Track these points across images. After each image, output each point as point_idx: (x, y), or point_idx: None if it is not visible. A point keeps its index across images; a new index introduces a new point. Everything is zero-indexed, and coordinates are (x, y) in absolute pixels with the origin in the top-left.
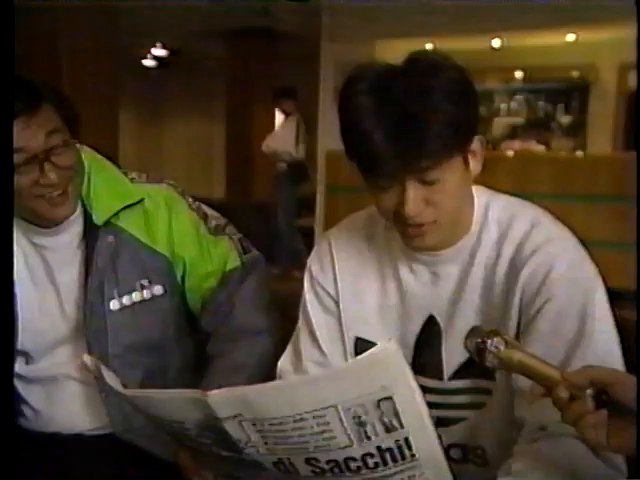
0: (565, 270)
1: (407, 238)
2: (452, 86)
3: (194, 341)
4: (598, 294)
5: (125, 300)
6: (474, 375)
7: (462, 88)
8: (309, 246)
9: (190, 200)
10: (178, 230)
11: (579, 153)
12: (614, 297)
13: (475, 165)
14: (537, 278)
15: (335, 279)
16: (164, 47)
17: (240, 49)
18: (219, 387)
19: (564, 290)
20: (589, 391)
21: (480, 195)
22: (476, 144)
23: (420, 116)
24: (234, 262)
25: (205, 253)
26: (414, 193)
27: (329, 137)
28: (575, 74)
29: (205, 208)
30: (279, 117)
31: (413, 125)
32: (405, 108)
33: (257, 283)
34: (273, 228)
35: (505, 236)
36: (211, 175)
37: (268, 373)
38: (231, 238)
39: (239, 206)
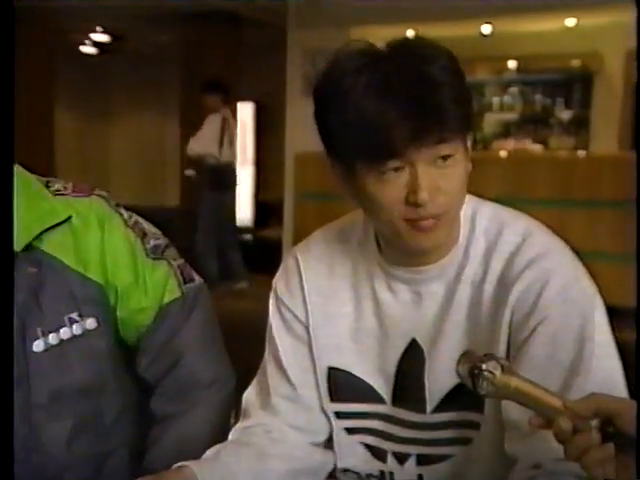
0: (560, 288)
1: (412, 237)
2: (451, 64)
3: (136, 373)
4: (597, 314)
5: (52, 339)
6: (460, 407)
7: (459, 71)
8: (277, 261)
9: (126, 215)
10: (111, 252)
11: (581, 153)
12: (617, 315)
13: (469, 163)
14: (529, 297)
15: (304, 301)
16: (105, 32)
17: (196, 35)
18: (167, 465)
19: (559, 310)
20: (595, 422)
21: (466, 203)
22: (469, 142)
23: (425, 87)
24: (173, 293)
25: (140, 281)
26: (426, 176)
27: (298, 137)
28: (576, 63)
29: (143, 224)
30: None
31: (426, 87)
32: (414, 72)
33: (203, 320)
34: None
35: (493, 249)
36: (164, 179)
37: (225, 428)
38: (170, 264)
39: (196, 215)
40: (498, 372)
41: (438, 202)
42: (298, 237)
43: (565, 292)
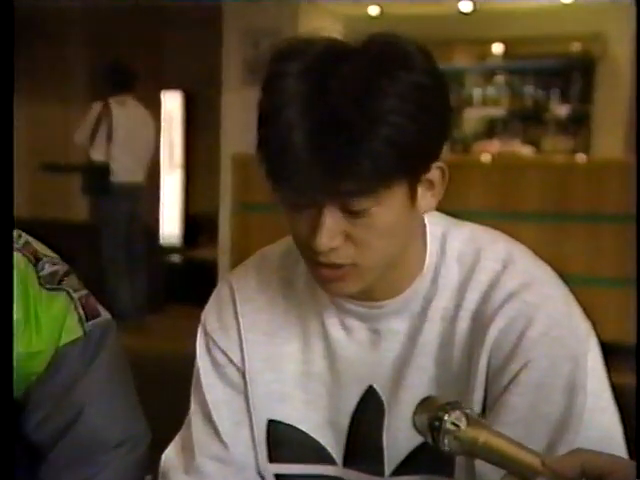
0: (547, 325)
1: (320, 280)
2: (415, 93)
3: (23, 435)
4: (591, 358)
5: None
6: (426, 469)
7: (430, 97)
8: (210, 288)
9: (14, 234)
10: None
11: (580, 157)
12: (616, 354)
13: (428, 201)
14: (510, 337)
15: (240, 340)
16: None
17: (108, 12)
18: None
19: (545, 353)
20: None
21: (434, 224)
22: (435, 173)
23: (357, 123)
24: (73, 332)
25: (31, 318)
26: (332, 222)
27: (236, 135)
28: (575, 47)
29: (36, 245)
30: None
31: (345, 132)
32: (341, 107)
33: (110, 365)
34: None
35: (468, 279)
36: (68, 186)
37: None
38: (70, 295)
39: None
40: (463, 424)
41: (344, 253)
42: (237, 259)
43: (552, 331)
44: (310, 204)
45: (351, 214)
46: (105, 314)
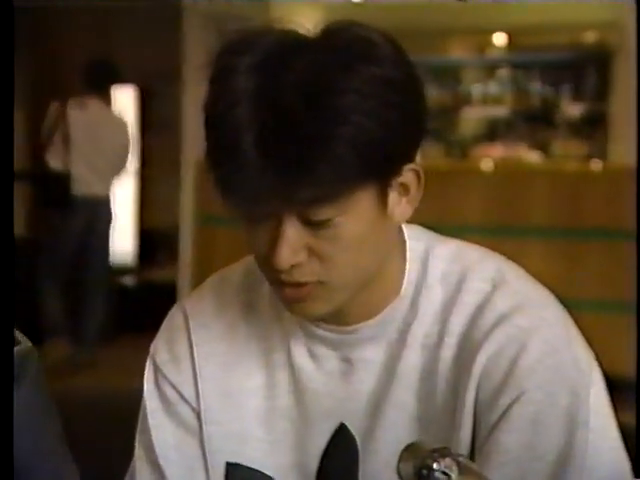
0: (543, 353)
1: (284, 301)
2: (378, 88)
3: None
4: (594, 390)
5: None
6: None
7: (397, 92)
8: (163, 317)
9: None
10: None
11: (595, 163)
12: (617, 390)
13: (403, 208)
14: (500, 365)
15: (194, 373)
16: None
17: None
18: None
19: (541, 384)
20: None
21: (415, 239)
22: (408, 176)
23: (312, 123)
24: None
25: None
26: (292, 235)
27: (199, 136)
28: (589, 37)
29: None
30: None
31: (299, 133)
32: (294, 105)
33: (30, 400)
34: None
35: (453, 301)
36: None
37: None
38: None
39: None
40: (455, 473)
41: (308, 268)
42: (200, 280)
43: (549, 359)
44: (266, 215)
45: (313, 225)
46: (25, 341)
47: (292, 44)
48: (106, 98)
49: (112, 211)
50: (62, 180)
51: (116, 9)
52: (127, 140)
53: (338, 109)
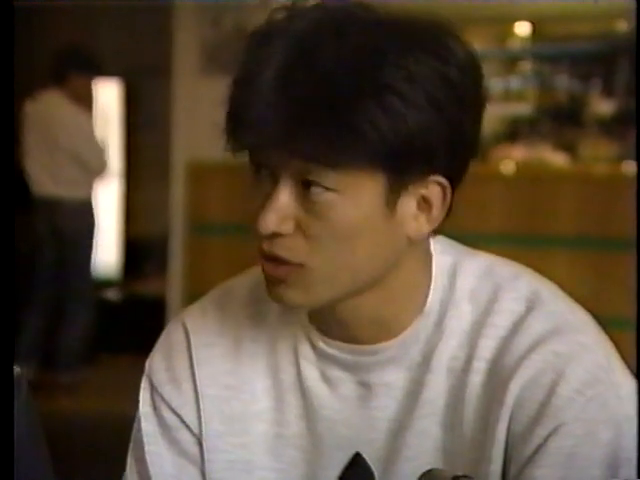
0: (582, 382)
1: (267, 284)
2: (430, 80)
3: None
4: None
5: None
6: None
7: (449, 90)
8: (155, 331)
9: None
10: None
11: (627, 166)
12: None
13: (420, 224)
14: (536, 395)
15: (196, 396)
16: None
17: None
18: None
19: (580, 415)
20: None
21: (442, 253)
22: (433, 190)
23: (340, 81)
24: None
25: None
26: (283, 198)
27: (192, 136)
28: (621, 26)
29: None
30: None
31: (328, 90)
32: (333, 66)
33: (20, 429)
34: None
35: (483, 323)
36: None
37: None
38: None
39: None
40: None
41: (290, 243)
42: (191, 294)
43: (589, 389)
44: (266, 164)
45: (308, 195)
46: (14, 368)
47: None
48: (67, 90)
49: (84, 218)
50: (20, 180)
51: None
52: (90, 137)
53: (378, 80)
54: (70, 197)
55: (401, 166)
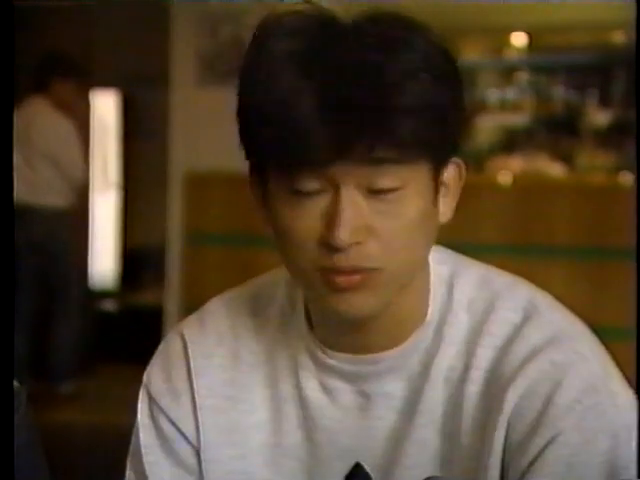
0: (580, 390)
1: (327, 298)
2: (436, 62)
3: None
4: (636, 434)
5: None
6: None
7: (448, 69)
8: (153, 341)
9: None
10: None
11: (624, 176)
12: None
13: (447, 206)
14: (533, 404)
15: (194, 407)
16: None
17: None
18: None
19: (579, 425)
20: None
21: (440, 263)
22: (451, 171)
23: (389, 71)
24: None
25: None
26: (353, 208)
27: (189, 147)
28: (618, 37)
29: None
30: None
31: (374, 79)
32: (361, 55)
33: (19, 442)
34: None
35: (480, 333)
36: None
37: None
38: None
39: None
40: None
41: (366, 250)
42: (188, 304)
43: (587, 397)
44: (323, 186)
45: (373, 199)
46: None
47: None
48: (51, 97)
49: (61, 227)
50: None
51: (95, 5)
52: (69, 145)
53: (414, 62)
54: (39, 205)
55: (441, 149)
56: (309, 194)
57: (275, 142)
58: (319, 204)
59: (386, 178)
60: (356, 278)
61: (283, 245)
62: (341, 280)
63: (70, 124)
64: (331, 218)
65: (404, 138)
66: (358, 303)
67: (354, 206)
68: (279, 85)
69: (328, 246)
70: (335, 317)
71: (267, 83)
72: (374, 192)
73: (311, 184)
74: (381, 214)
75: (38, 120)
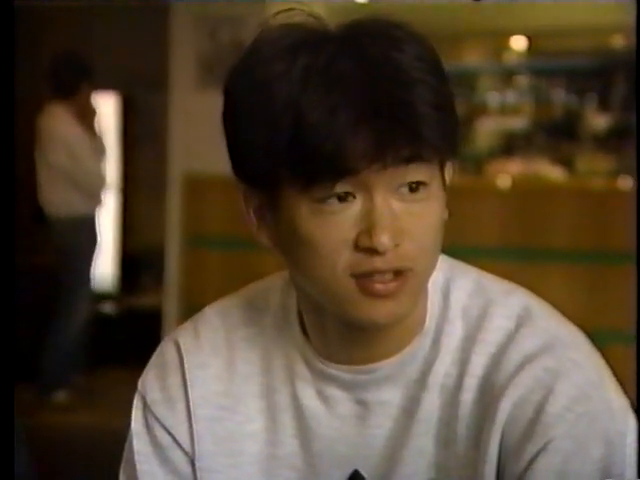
0: (572, 398)
1: (362, 306)
2: (428, 54)
3: None
4: (630, 440)
5: None
6: None
7: (439, 66)
8: (151, 346)
9: None
10: None
11: (624, 180)
12: None
13: (445, 207)
14: (526, 411)
15: (189, 416)
16: None
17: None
18: None
19: (570, 432)
20: None
21: (435, 270)
22: (449, 170)
23: (402, 69)
24: None
25: None
26: (389, 210)
27: (188, 149)
28: (617, 41)
29: None
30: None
31: (394, 79)
32: (376, 58)
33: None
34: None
35: (473, 340)
36: None
37: None
38: None
39: None
40: None
41: (403, 251)
42: (187, 307)
43: (579, 405)
44: (356, 192)
45: (405, 193)
46: None
47: (325, 31)
48: (75, 105)
49: (77, 235)
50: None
51: (95, 8)
52: (86, 160)
53: (409, 72)
54: (63, 214)
55: (450, 145)
56: (339, 201)
57: (300, 156)
58: (351, 210)
59: (417, 172)
60: (393, 285)
61: (306, 254)
62: (380, 287)
63: (90, 137)
64: (369, 223)
65: (430, 136)
66: (390, 309)
67: (389, 209)
68: (302, 103)
69: (366, 251)
70: (357, 324)
71: (286, 102)
72: (405, 188)
73: (343, 190)
74: (411, 215)
75: (62, 132)
